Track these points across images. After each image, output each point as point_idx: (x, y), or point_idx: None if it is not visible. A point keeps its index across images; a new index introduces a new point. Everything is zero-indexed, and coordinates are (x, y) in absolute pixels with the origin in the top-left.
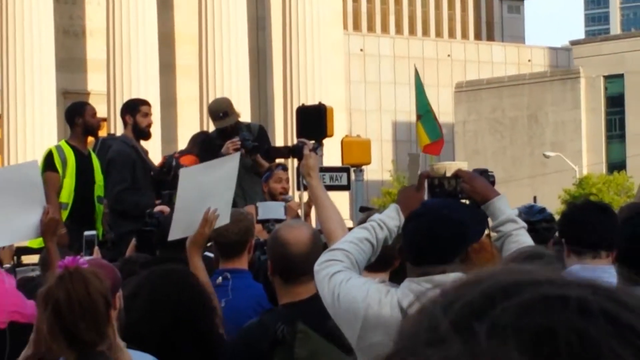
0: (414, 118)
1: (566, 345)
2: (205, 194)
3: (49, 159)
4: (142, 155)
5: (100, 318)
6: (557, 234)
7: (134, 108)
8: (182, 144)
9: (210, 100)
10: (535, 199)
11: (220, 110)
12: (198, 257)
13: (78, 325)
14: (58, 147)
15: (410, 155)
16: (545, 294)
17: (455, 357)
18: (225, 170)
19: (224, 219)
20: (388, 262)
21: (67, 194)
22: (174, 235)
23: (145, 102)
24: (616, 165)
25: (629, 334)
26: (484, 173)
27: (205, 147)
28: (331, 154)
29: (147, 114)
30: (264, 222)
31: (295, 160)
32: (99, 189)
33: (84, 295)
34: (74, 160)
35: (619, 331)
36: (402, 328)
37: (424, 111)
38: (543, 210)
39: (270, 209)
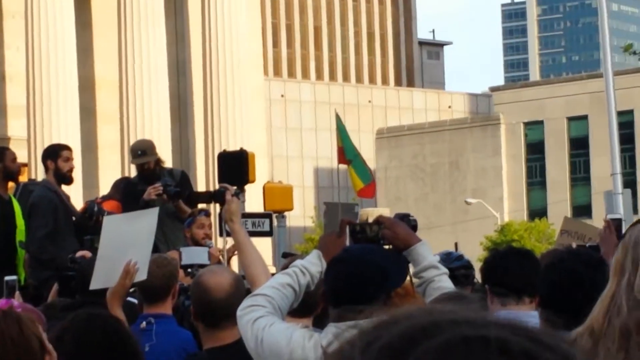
0: (335, 164)
1: None
2: (126, 245)
3: None
4: (64, 200)
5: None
6: (476, 280)
7: (55, 153)
8: (104, 189)
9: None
10: (456, 245)
11: (139, 148)
12: (118, 307)
13: None
14: None
15: (328, 204)
16: (465, 335)
17: None
18: (144, 224)
19: (142, 274)
20: (311, 308)
21: None
22: (95, 284)
23: (66, 147)
24: (537, 212)
25: None
26: (405, 217)
27: (127, 192)
28: (253, 200)
29: (69, 159)
30: (188, 268)
31: (218, 206)
32: (20, 233)
33: (18, 336)
34: None
35: None
36: None
37: (352, 155)
38: (461, 257)
39: (194, 254)
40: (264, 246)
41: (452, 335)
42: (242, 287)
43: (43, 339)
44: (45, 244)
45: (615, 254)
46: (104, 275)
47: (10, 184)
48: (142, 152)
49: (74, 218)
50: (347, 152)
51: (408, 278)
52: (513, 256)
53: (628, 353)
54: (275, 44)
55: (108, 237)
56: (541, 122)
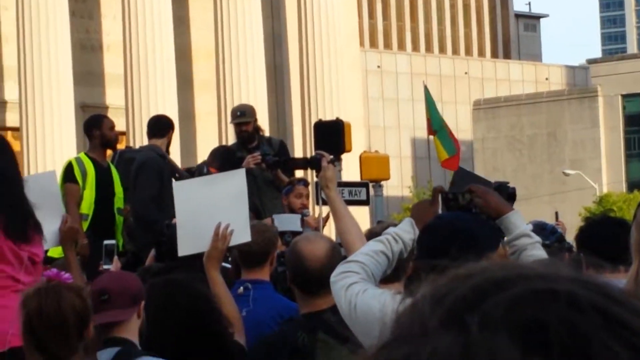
0: (432, 135)
1: (556, 337)
2: (209, 209)
3: (68, 171)
4: (173, 163)
5: (70, 334)
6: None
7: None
8: (201, 157)
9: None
10: (557, 214)
11: (239, 109)
12: (215, 271)
13: (46, 339)
14: (77, 159)
15: (461, 169)
16: (535, 288)
17: (446, 349)
18: (231, 187)
19: (243, 236)
20: (403, 274)
21: (87, 205)
22: (183, 251)
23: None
24: (636, 183)
25: (618, 327)
26: (503, 186)
27: (225, 160)
28: (350, 169)
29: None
30: (281, 235)
31: (315, 175)
32: (118, 200)
33: (54, 310)
34: (94, 172)
35: (608, 324)
36: (395, 320)
37: (439, 127)
38: (554, 230)
39: (286, 221)
40: (361, 215)
41: (522, 288)
42: (337, 255)
43: (84, 312)
44: (149, 206)
45: (631, 236)
46: (190, 241)
47: (109, 152)
48: (242, 113)
49: (176, 175)
50: (433, 122)
51: (501, 246)
52: (608, 224)
53: None
54: (371, 15)
55: (183, 204)
56: (639, 95)
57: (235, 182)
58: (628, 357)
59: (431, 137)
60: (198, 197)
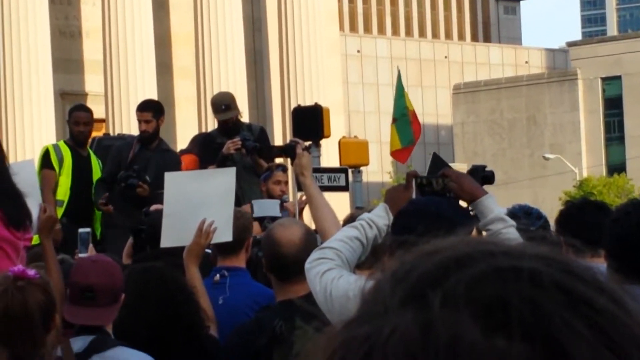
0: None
1: (517, 314)
2: (197, 204)
3: (45, 157)
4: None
5: (36, 329)
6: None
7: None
8: (181, 143)
9: (209, 100)
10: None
11: (223, 103)
12: (194, 266)
13: (13, 337)
14: (55, 146)
15: (435, 155)
16: (498, 266)
17: (407, 326)
18: (219, 184)
19: (225, 235)
20: (378, 260)
21: (63, 191)
22: (165, 242)
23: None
24: (616, 167)
25: (582, 305)
26: (476, 169)
27: (205, 146)
28: (329, 155)
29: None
30: (260, 220)
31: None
32: None
33: (21, 310)
34: (71, 159)
35: (571, 302)
36: (362, 296)
37: (400, 115)
38: (540, 215)
39: (265, 207)
40: (340, 201)
41: (485, 266)
42: (313, 241)
43: (52, 308)
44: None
45: None
46: (174, 232)
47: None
48: (226, 106)
49: None
50: (396, 110)
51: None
52: (589, 208)
53: None
54: None
55: (173, 195)
56: (619, 77)
57: (225, 180)
58: (591, 335)
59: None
60: (187, 191)
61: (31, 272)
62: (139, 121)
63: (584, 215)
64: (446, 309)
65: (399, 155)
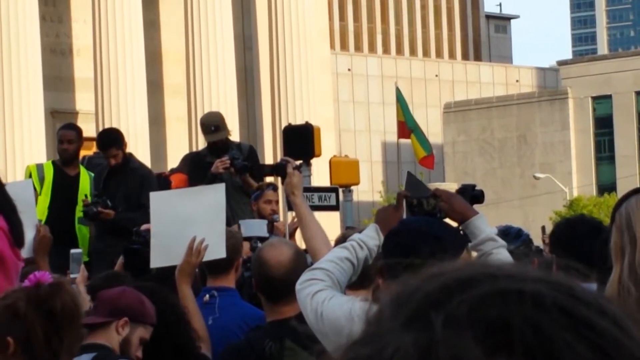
0: (402, 139)
1: (519, 335)
2: (186, 222)
3: (29, 177)
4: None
5: (77, 333)
6: (545, 253)
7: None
8: (172, 162)
9: (199, 118)
10: (544, 229)
11: (212, 124)
12: (186, 285)
13: (57, 337)
14: (38, 165)
15: (410, 174)
16: (501, 288)
17: (410, 346)
18: (209, 201)
19: (219, 252)
20: (369, 280)
21: (40, 211)
22: (155, 262)
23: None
24: (606, 187)
25: (583, 328)
26: (465, 188)
27: (194, 165)
28: (320, 174)
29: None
30: (248, 240)
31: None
32: (81, 210)
33: (73, 307)
34: (52, 179)
35: (573, 325)
36: (367, 317)
37: (413, 126)
38: (520, 233)
39: (252, 227)
40: (331, 220)
41: (488, 288)
42: (303, 262)
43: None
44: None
45: (611, 239)
46: (164, 253)
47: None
48: (216, 127)
49: None
50: (407, 122)
51: (465, 251)
52: (584, 225)
53: None
54: (342, 17)
55: (160, 214)
56: (609, 97)
57: (215, 196)
58: (592, 357)
59: (402, 140)
60: (175, 209)
61: (48, 275)
62: (105, 157)
63: (579, 232)
64: (448, 329)
65: (426, 162)
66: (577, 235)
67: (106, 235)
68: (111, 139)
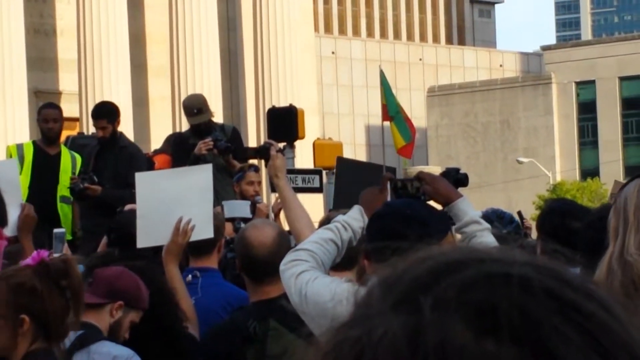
0: (387, 122)
1: (507, 318)
2: (172, 202)
3: (7, 156)
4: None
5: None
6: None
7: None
8: (155, 143)
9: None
10: (520, 213)
11: (194, 106)
12: (174, 266)
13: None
14: (18, 145)
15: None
16: (488, 272)
17: (398, 329)
18: (196, 181)
19: (206, 232)
20: (353, 261)
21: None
22: (142, 243)
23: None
24: (589, 171)
25: (571, 311)
26: (449, 172)
27: (178, 147)
28: (303, 156)
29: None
30: (231, 221)
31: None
32: (63, 189)
33: (81, 283)
34: (31, 158)
35: (560, 308)
36: (354, 301)
37: (395, 112)
38: (512, 219)
39: (235, 208)
40: (314, 203)
41: (476, 271)
42: (286, 242)
43: (73, 292)
44: None
45: (609, 221)
46: (150, 233)
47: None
48: (198, 110)
49: None
50: (389, 108)
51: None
52: (569, 210)
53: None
54: (326, 0)
55: (145, 195)
56: (593, 82)
57: (201, 177)
58: (580, 341)
59: (386, 123)
60: (161, 190)
61: (45, 252)
62: (95, 127)
63: (564, 216)
64: (437, 312)
65: (404, 151)
66: (565, 219)
67: (93, 213)
68: (106, 110)
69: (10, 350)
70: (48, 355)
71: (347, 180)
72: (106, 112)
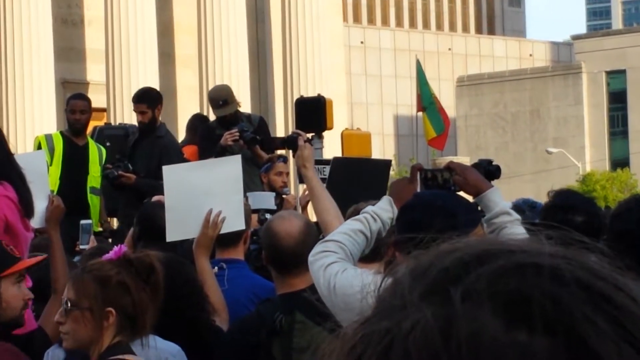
0: (415, 112)
1: (540, 309)
2: (201, 194)
3: (38, 148)
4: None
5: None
6: None
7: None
8: (183, 133)
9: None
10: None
11: (220, 98)
12: (204, 259)
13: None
14: (47, 136)
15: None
16: (518, 262)
17: (428, 321)
18: (225, 172)
19: (238, 224)
20: (381, 253)
21: (52, 181)
22: (171, 236)
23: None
24: (619, 162)
25: (601, 300)
26: (480, 163)
27: (205, 137)
28: (332, 147)
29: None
30: (256, 212)
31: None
32: (92, 180)
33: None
34: (62, 149)
35: (591, 298)
36: (379, 294)
37: (428, 103)
38: None
39: (260, 199)
40: None
41: (506, 261)
42: (313, 234)
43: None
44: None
45: None
46: (179, 226)
47: (91, 127)
48: (224, 101)
49: None
50: (423, 99)
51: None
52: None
53: None
54: None
55: (173, 187)
56: (623, 71)
57: (231, 168)
58: (611, 330)
59: (419, 113)
60: (189, 182)
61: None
62: (135, 113)
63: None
64: (467, 303)
65: (435, 143)
66: (567, 215)
67: (135, 202)
68: (147, 95)
69: (95, 342)
70: (128, 349)
71: (339, 181)
72: (146, 97)
